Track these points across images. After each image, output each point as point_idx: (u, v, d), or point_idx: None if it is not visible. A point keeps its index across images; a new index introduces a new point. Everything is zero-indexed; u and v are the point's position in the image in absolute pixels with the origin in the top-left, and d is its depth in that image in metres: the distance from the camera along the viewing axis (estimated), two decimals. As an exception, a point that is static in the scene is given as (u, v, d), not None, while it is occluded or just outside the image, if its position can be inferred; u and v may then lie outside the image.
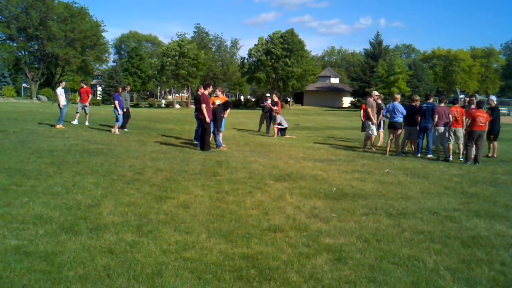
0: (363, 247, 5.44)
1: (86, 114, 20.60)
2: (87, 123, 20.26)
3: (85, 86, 21.39)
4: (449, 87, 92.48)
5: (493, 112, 14.70)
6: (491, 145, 14.71)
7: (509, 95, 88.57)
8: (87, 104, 20.56)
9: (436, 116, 13.64)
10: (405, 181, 9.83)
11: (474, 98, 16.11)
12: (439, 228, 6.29)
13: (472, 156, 13.05)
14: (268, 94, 23.67)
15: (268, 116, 21.61)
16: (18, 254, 4.74)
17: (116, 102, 17.92)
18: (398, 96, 15.38)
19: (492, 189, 9.28)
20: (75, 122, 20.23)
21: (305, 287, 4.29)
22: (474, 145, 13.09)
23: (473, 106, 14.33)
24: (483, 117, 13.00)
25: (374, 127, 16.10)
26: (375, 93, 16.88)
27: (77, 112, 20.58)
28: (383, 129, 17.59)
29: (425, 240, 5.76)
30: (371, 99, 16.20)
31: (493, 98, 15.16)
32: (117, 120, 17.97)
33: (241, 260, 4.88)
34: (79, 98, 20.99)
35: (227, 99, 16.07)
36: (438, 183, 9.79)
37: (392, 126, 14.75)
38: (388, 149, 14.81)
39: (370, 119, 15.98)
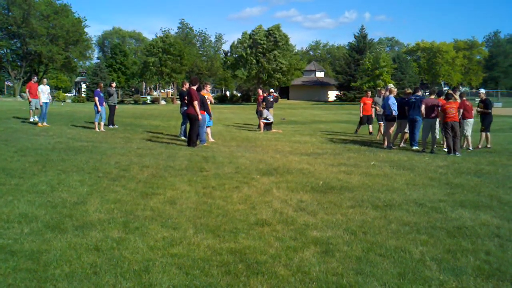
0: (350, 239, 5.46)
1: (37, 109, 20.06)
2: (36, 118, 19.91)
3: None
4: (433, 79, 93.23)
5: (487, 104, 14.90)
6: (484, 135, 14.85)
7: (492, 86, 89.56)
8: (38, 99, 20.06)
9: (423, 107, 13.73)
10: (391, 173, 9.89)
11: (457, 90, 16.18)
12: (425, 219, 6.34)
13: (452, 146, 13.15)
14: (272, 90, 23.56)
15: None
16: (3, 253, 4.69)
17: (96, 98, 17.79)
18: (394, 90, 15.26)
19: (477, 179, 9.37)
20: (31, 119, 20.13)
21: (293, 280, 4.29)
22: (451, 136, 13.17)
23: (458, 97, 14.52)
24: (453, 108, 13.15)
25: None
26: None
27: (30, 110, 20.28)
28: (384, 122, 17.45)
29: (411, 231, 5.80)
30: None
31: (483, 90, 15.29)
32: (96, 116, 17.77)
33: (229, 255, 4.87)
34: (29, 94, 20.40)
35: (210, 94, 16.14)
36: (423, 174, 9.87)
37: (385, 119, 14.82)
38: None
39: None
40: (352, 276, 4.39)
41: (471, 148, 14.33)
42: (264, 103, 20.50)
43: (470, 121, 14.38)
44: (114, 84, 21.03)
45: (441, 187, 8.54)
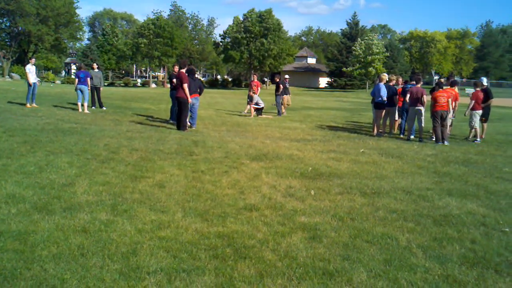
0: (338, 225, 5.50)
1: None
2: None
3: None
4: (424, 68, 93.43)
5: (488, 94, 14.61)
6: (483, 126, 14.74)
7: (482, 76, 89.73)
8: None
9: (408, 96, 13.77)
10: (380, 161, 9.94)
11: (451, 78, 15.98)
12: (412, 207, 6.39)
13: (440, 136, 13.19)
14: (287, 76, 23.57)
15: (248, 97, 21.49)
16: (-10, 234, 4.67)
17: (76, 79, 17.73)
18: (384, 77, 15.17)
19: (464, 168, 9.45)
20: None
21: (280, 265, 4.32)
22: (440, 125, 13.19)
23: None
24: (444, 97, 13.16)
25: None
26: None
27: None
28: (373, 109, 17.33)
29: (398, 218, 5.85)
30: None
31: (484, 79, 15.19)
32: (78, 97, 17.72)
33: (217, 239, 4.89)
34: None
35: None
36: (411, 162, 9.93)
37: (374, 107, 14.76)
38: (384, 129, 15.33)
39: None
40: (338, 262, 4.43)
41: (478, 140, 13.98)
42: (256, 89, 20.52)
43: (479, 112, 14.12)
44: (95, 66, 20.80)
45: (429, 176, 8.60)
